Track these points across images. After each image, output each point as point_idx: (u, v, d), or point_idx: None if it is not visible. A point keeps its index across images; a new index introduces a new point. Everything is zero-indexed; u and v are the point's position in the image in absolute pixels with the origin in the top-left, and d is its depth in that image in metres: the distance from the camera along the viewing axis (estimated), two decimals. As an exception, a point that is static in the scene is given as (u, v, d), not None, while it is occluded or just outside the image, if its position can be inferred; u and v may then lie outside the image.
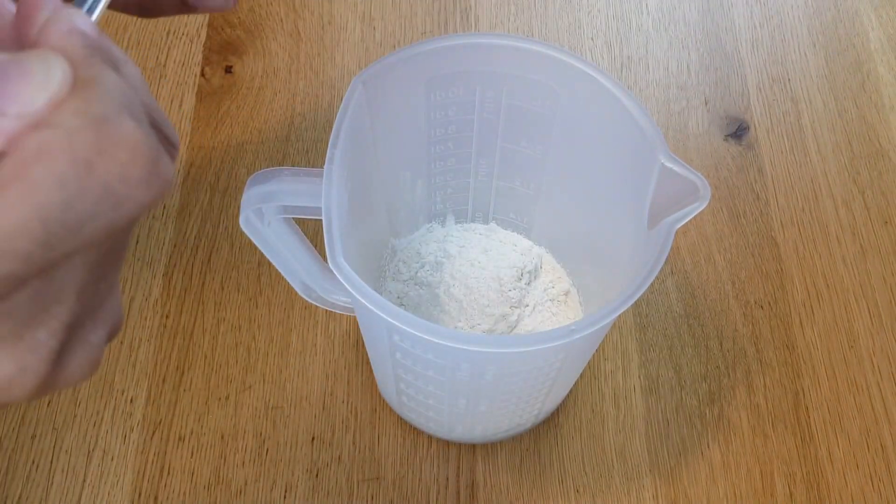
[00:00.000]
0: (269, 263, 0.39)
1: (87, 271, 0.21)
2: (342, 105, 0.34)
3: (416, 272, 0.44)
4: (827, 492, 0.43)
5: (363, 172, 0.38)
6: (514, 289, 0.43)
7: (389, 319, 0.30)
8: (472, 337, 0.31)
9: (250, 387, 0.45)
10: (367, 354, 0.46)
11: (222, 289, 0.48)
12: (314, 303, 0.42)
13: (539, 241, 0.46)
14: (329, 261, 0.31)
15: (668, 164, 0.32)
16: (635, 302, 0.36)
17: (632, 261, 0.35)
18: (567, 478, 0.43)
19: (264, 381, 0.46)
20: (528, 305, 0.44)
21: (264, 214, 0.35)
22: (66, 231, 0.19)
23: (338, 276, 0.30)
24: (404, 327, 0.30)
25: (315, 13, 0.58)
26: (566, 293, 0.45)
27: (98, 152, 0.18)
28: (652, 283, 0.31)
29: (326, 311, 0.47)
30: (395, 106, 0.38)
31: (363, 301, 0.30)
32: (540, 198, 0.44)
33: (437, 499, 0.43)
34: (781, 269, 0.50)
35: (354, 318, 0.47)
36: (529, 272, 0.44)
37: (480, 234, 0.46)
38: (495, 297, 0.43)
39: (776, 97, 0.56)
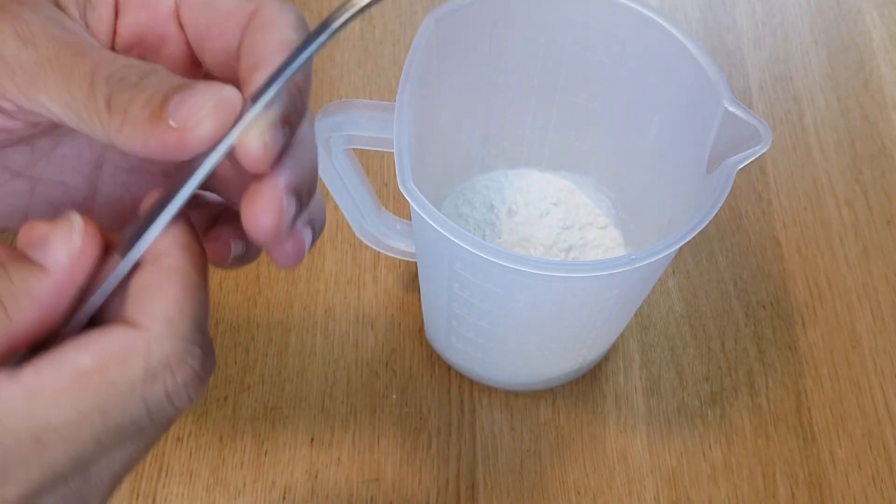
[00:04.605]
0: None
1: (123, 467, 0.22)
2: (414, 42, 0.34)
3: (469, 219, 0.44)
4: (829, 493, 0.43)
5: (425, 116, 0.38)
6: (566, 230, 0.44)
7: (454, 239, 0.30)
8: (535, 260, 0.31)
9: (249, 387, 0.45)
10: (365, 354, 0.46)
11: (220, 289, 0.48)
12: (368, 244, 0.42)
13: (591, 193, 0.46)
14: (399, 184, 0.30)
15: (732, 109, 0.33)
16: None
17: (687, 206, 0.35)
18: (568, 479, 0.43)
19: (263, 381, 0.45)
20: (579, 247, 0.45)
21: (332, 147, 0.35)
22: (116, 432, 0.20)
23: (407, 197, 0.30)
24: (468, 247, 0.30)
25: (314, 10, 0.58)
26: (614, 240, 0.45)
27: (165, 367, 0.20)
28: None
29: (325, 311, 0.47)
30: (461, 49, 0.38)
31: (429, 221, 0.30)
32: (594, 151, 0.44)
33: (436, 500, 0.42)
34: (784, 269, 0.49)
35: (353, 317, 0.47)
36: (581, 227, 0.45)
37: (544, 181, 0.47)
38: (552, 236, 0.44)
39: (778, 96, 0.55)
